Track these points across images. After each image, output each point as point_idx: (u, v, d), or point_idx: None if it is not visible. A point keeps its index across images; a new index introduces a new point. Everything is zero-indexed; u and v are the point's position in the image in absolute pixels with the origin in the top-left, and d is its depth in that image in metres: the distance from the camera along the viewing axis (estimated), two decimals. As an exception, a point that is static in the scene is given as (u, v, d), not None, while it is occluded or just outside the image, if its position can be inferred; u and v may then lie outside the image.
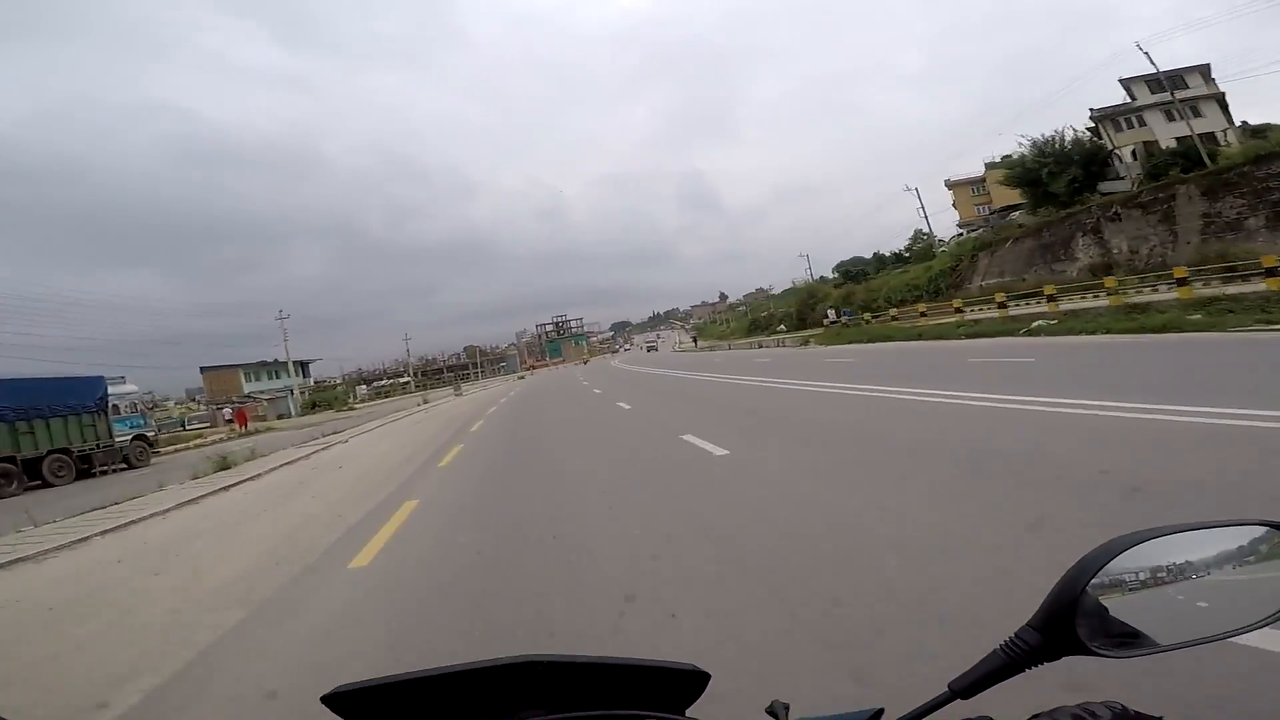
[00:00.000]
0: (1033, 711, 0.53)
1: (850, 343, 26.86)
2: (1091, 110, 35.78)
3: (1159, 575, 0.55)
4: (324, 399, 56.60)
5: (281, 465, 12.13)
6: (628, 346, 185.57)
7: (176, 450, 22.88)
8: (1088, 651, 0.53)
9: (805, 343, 32.72)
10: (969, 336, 19.24)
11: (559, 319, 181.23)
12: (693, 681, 0.67)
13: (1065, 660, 0.55)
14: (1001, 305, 21.92)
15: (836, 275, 64.81)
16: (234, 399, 52.23)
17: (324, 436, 17.90)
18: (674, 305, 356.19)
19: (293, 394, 53.62)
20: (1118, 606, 0.54)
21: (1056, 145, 33.13)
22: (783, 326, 56.59)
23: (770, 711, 0.65)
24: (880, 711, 0.60)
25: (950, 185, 60.25)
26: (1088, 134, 34.52)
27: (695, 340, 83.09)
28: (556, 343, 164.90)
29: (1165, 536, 0.56)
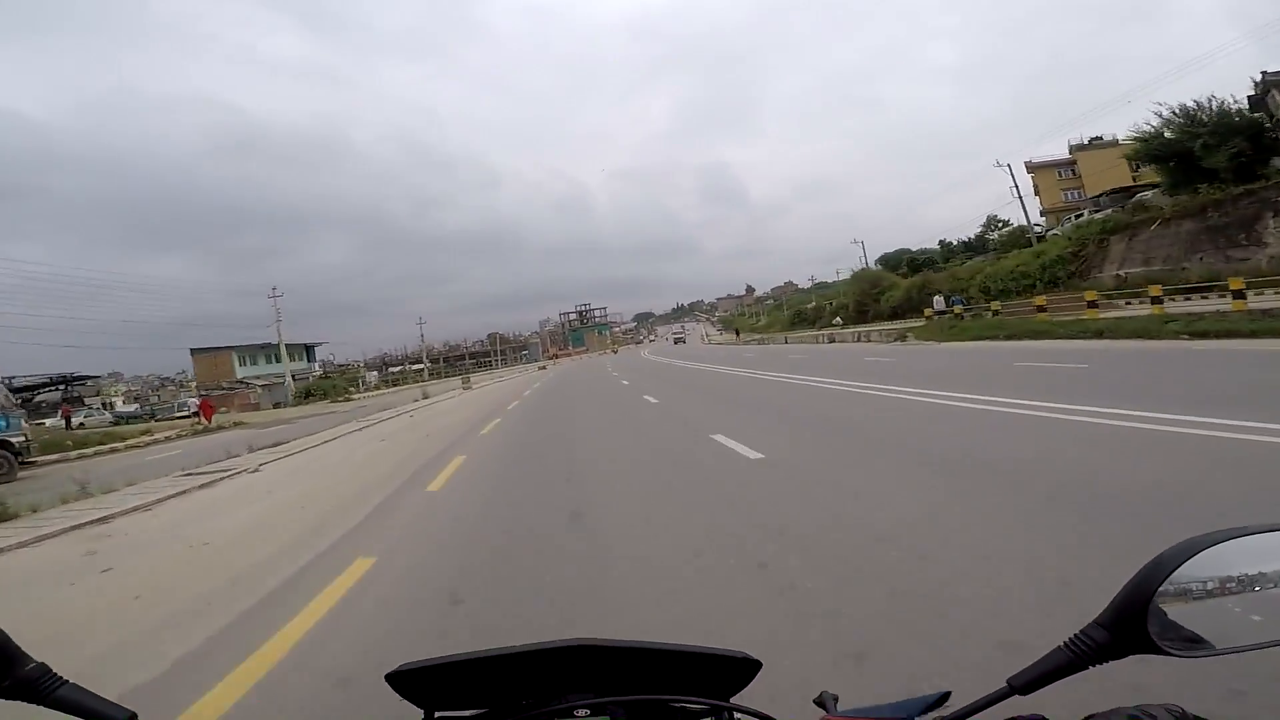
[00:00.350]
0: (1089, 711, 0.52)
1: (977, 339, 20.32)
2: (1263, 74, 28.62)
3: (1236, 576, 0.52)
4: (322, 387, 50.88)
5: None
6: (652, 337, 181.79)
7: (79, 457, 17.41)
8: (1157, 650, 0.51)
9: (902, 338, 26.08)
10: (1190, 335, 12.83)
11: (582, 307, 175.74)
12: (742, 669, 0.67)
13: (1121, 663, 0.53)
14: (1156, 300, 18.12)
15: (879, 267, 60.70)
16: (224, 384, 47.07)
17: (247, 454, 12.12)
18: (698, 297, 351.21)
19: (290, 380, 48.43)
20: (1190, 606, 0.52)
21: (1207, 116, 26.57)
22: (838, 320, 50.04)
23: (819, 702, 0.65)
24: (946, 695, 0.58)
25: (1032, 168, 53.29)
26: (1248, 102, 27.55)
27: (737, 332, 74.03)
28: (580, 331, 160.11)
29: (1246, 537, 0.53)
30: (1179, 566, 0.51)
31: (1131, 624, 0.51)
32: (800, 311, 71.03)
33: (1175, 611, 0.52)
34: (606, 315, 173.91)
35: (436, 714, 0.66)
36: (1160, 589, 0.51)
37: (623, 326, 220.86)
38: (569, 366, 52.15)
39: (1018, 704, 0.56)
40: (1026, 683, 0.55)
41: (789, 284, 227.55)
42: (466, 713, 0.68)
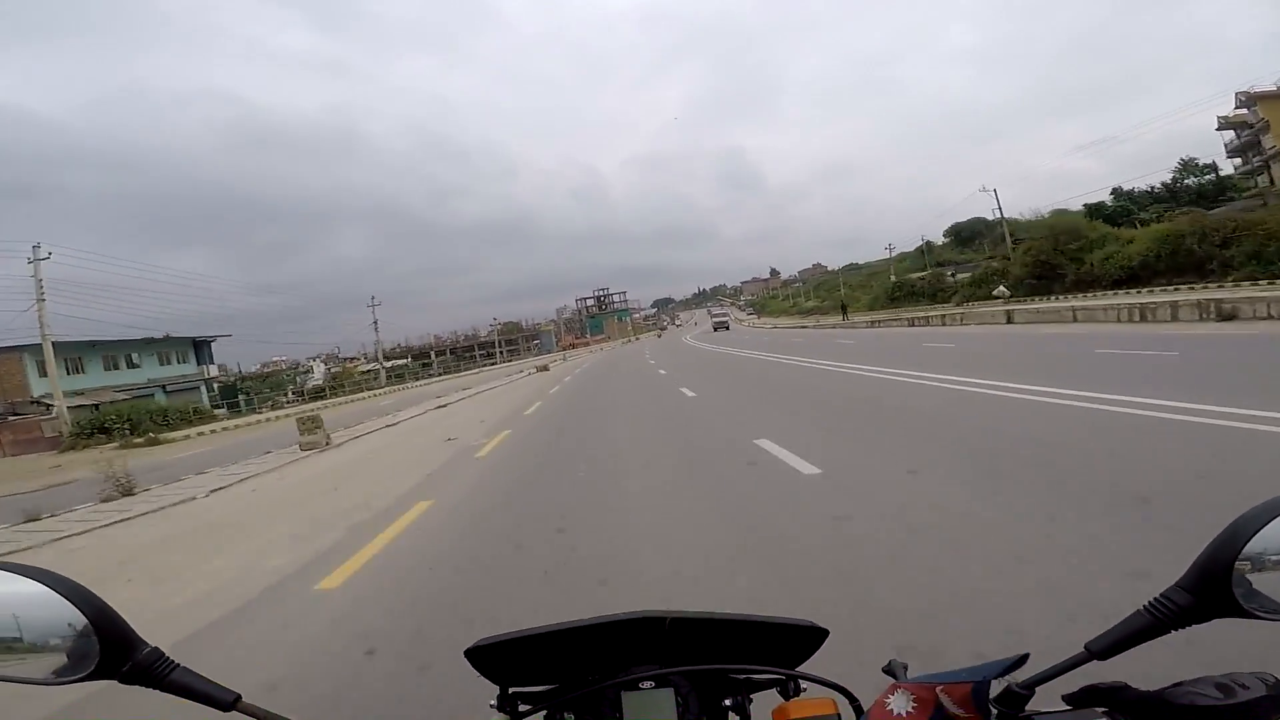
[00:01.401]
0: (1173, 678, 0.51)
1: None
2: None
3: None
4: (167, 413, 31.10)
5: None
6: (677, 323, 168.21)
7: None
8: (1244, 614, 0.49)
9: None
10: None
11: (601, 293, 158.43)
12: (808, 638, 0.67)
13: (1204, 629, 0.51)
14: None
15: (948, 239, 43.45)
16: (32, 399, 30.11)
17: None
18: (718, 282, 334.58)
19: (64, 404, 29.10)
20: (1276, 569, 0.49)
21: None
22: (1001, 290, 33.07)
23: (888, 670, 0.63)
24: (1024, 657, 0.56)
25: (1253, 100, 38.17)
26: None
27: (844, 310, 54.13)
28: (598, 318, 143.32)
29: None
30: (1264, 526, 0.48)
31: (1215, 586, 0.49)
32: (902, 284, 53.29)
33: (1261, 574, 0.49)
34: (626, 301, 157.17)
35: (510, 689, 0.68)
36: (1244, 550, 0.48)
37: (641, 313, 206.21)
38: (592, 364, 35.33)
39: (1097, 669, 0.54)
40: (1105, 647, 0.53)
41: (817, 265, 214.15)
42: (538, 688, 0.68)
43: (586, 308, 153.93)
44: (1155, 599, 0.52)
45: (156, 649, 0.55)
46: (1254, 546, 0.49)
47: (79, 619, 0.52)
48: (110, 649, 0.53)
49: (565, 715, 0.66)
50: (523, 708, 0.68)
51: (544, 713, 0.67)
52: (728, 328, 69.10)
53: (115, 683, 0.54)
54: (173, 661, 0.56)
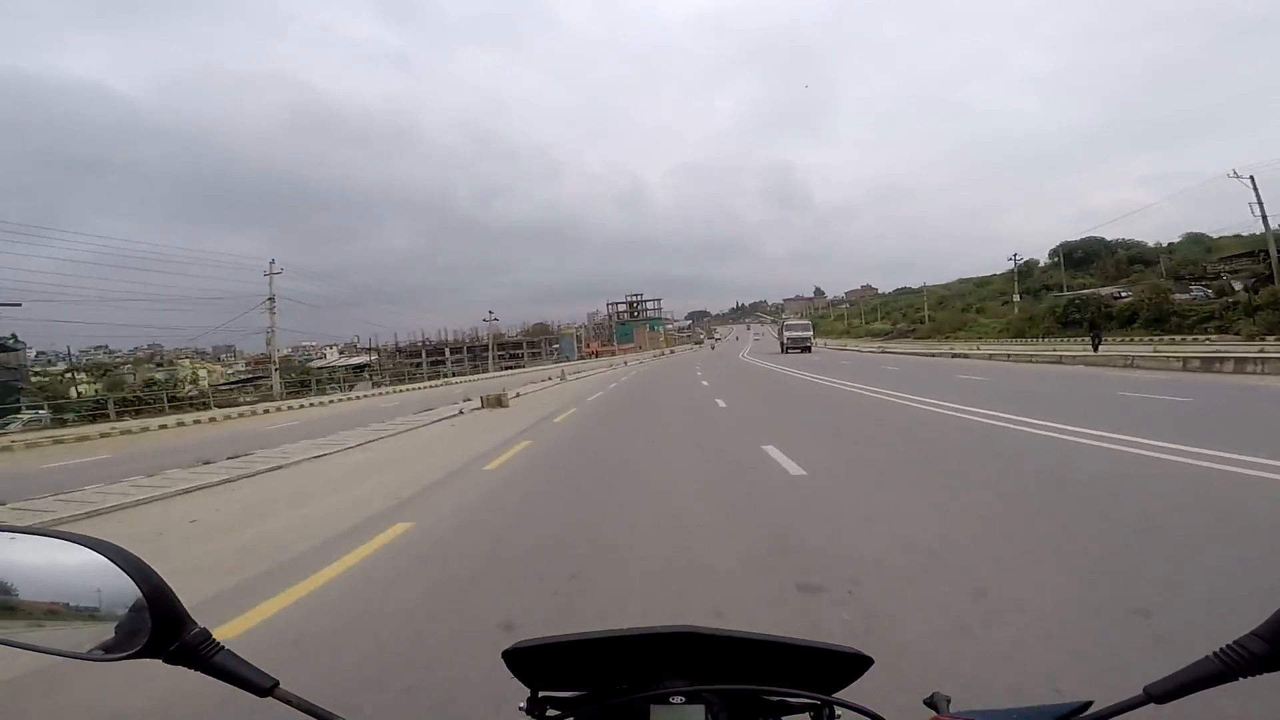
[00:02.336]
0: None
1: None
2: None
3: None
4: None
5: None
6: (716, 337, 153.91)
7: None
8: None
9: None
10: None
11: (634, 298, 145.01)
12: (849, 665, 0.65)
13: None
14: None
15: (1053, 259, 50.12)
16: None
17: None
18: (758, 298, 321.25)
19: None
20: None
21: None
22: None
23: (929, 702, 0.63)
24: (1087, 705, 0.55)
25: None
26: None
27: (1095, 339, 28.89)
28: (629, 325, 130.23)
29: None
30: None
31: None
32: (1072, 304, 38.43)
33: None
34: (660, 309, 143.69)
35: (541, 693, 0.67)
36: None
37: (675, 325, 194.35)
38: (627, 382, 25.22)
39: (1155, 713, 0.53)
40: (1166, 691, 0.52)
41: (866, 287, 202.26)
42: (568, 693, 0.68)
43: (618, 313, 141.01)
44: (1228, 646, 0.50)
45: (204, 630, 0.54)
46: None
47: (136, 594, 0.51)
48: (161, 626, 0.52)
49: None
50: (551, 713, 0.67)
51: (572, 719, 0.67)
52: (809, 348, 50.94)
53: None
54: (218, 644, 0.54)
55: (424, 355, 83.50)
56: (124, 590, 0.51)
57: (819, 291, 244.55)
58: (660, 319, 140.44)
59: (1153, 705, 0.52)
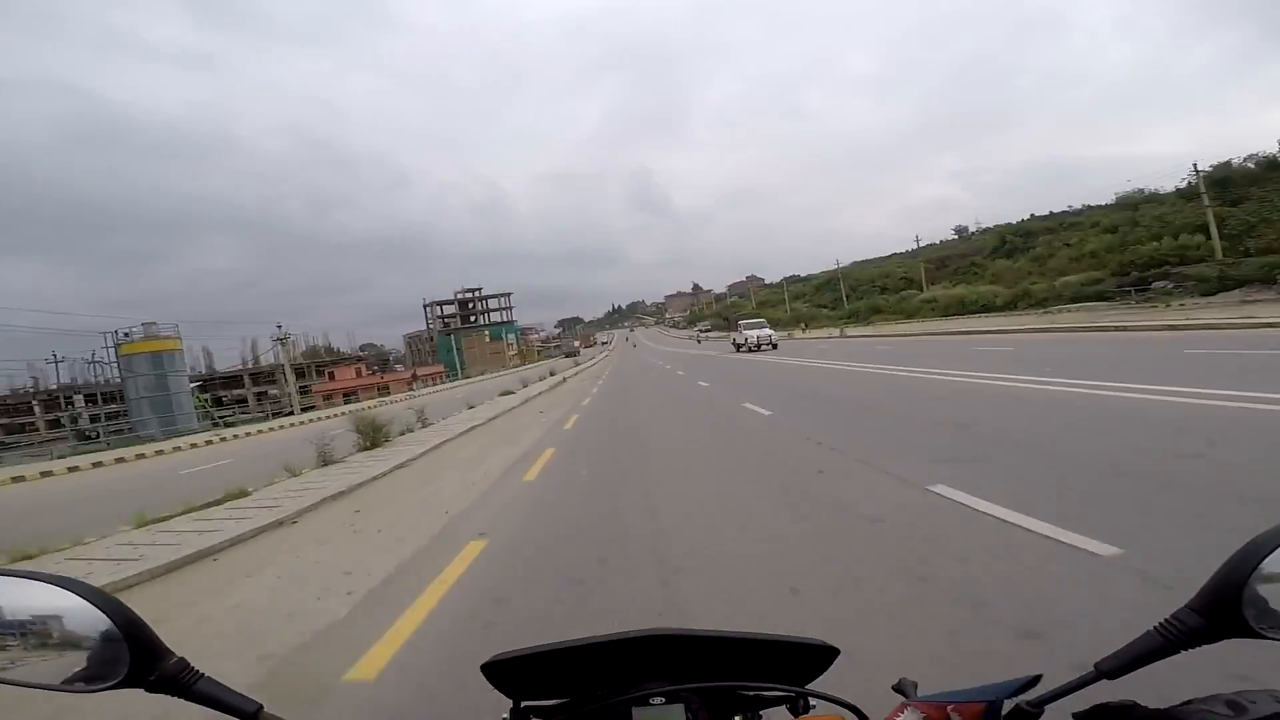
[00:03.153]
0: (1185, 697, 0.51)
1: None
2: None
3: None
4: None
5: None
6: (604, 341, 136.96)
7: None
8: (1254, 634, 0.50)
9: None
10: None
11: (468, 294, 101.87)
12: (819, 656, 0.67)
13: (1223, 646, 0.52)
14: None
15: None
16: None
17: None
18: (637, 298, 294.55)
19: None
20: None
21: None
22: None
23: (898, 688, 0.64)
24: (1037, 678, 0.57)
25: None
26: None
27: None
28: (457, 337, 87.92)
29: None
30: (1275, 550, 0.49)
31: (1226, 608, 0.50)
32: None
33: (1272, 595, 0.49)
34: (510, 309, 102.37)
35: (524, 703, 0.68)
36: (1257, 571, 0.49)
37: (542, 334, 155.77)
38: None
39: (1106, 688, 0.54)
40: (1115, 667, 0.54)
41: (752, 277, 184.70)
42: (550, 702, 0.69)
43: (441, 319, 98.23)
44: (1166, 620, 0.52)
45: (182, 659, 0.55)
46: (1267, 567, 0.49)
47: (110, 628, 0.53)
48: (139, 658, 0.53)
49: None
50: None
51: None
52: (775, 345, 33.21)
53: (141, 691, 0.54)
54: (197, 672, 0.55)
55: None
56: (100, 625, 0.53)
57: (698, 287, 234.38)
58: (512, 325, 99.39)
59: (1105, 681, 0.54)
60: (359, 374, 60.76)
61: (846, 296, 70.07)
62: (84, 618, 0.53)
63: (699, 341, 69.41)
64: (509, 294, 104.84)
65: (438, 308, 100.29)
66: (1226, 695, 0.49)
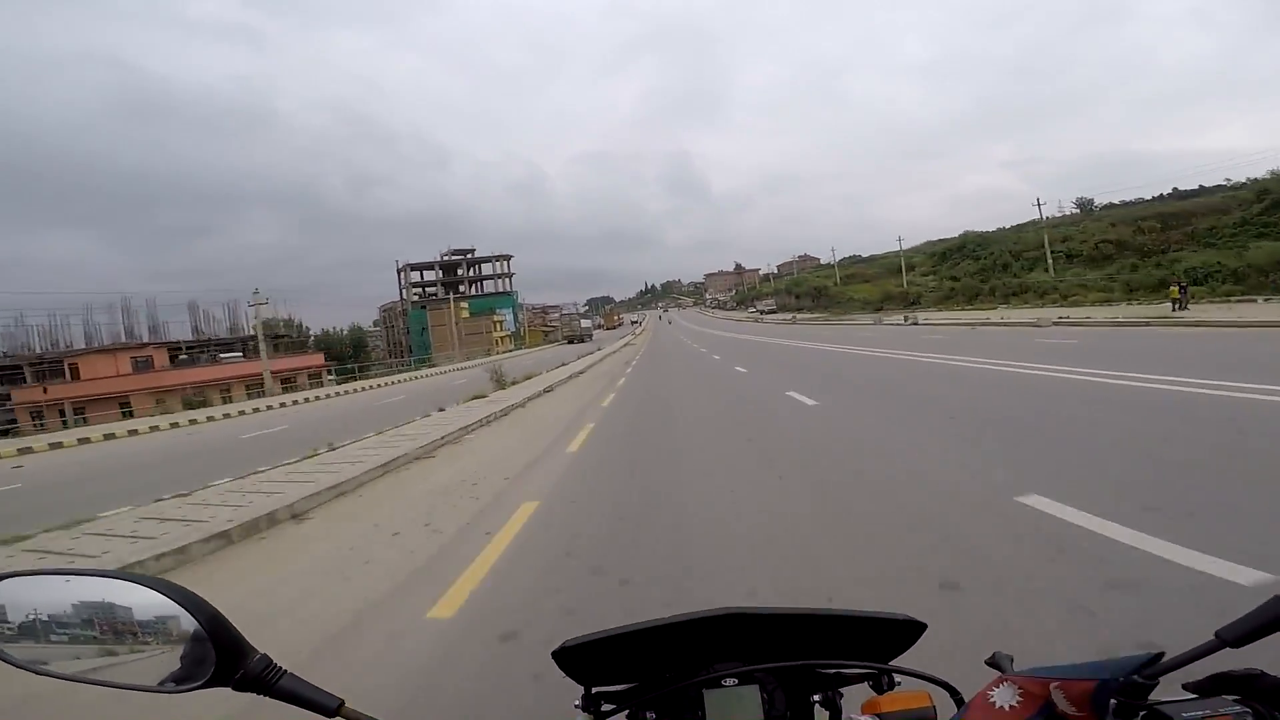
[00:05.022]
0: None
1: None
2: None
3: None
4: None
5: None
6: (634, 320, 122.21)
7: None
8: None
9: None
10: None
11: (455, 256, 78.72)
12: (904, 632, 0.65)
13: None
14: None
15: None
16: None
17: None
18: (673, 277, 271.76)
19: None
20: None
21: None
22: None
23: (991, 662, 0.60)
24: (1160, 655, 0.52)
25: None
26: None
27: None
28: (417, 314, 65.76)
29: None
30: None
31: None
32: None
33: None
34: (509, 273, 79.58)
35: (594, 689, 0.67)
36: None
37: (566, 312, 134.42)
38: None
39: (1229, 657, 0.51)
40: (1239, 635, 0.50)
41: (804, 257, 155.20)
42: (620, 687, 0.68)
43: (421, 287, 76.16)
44: None
45: (265, 656, 0.55)
46: None
47: (196, 628, 0.53)
48: (225, 657, 0.53)
49: (647, 715, 0.64)
50: (606, 707, 0.66)
51: (626, 712, 0.66)
52: None
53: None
54: (280, 669, 0.55)
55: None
56: (185, 624, 0.53)
57: (740, 266, 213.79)
58: (511, 296, 76.73)
59: (1227, 650, 0.50)
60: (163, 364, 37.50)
61: (1002, 266, 48.12)
62: (171, 617, 0.53)
63: (760, 319, 57.79)
64: (508, 257, 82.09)
65: (417, 273, 78.27)
66: None
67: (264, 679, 0.54)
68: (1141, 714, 0.50)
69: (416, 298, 74.10)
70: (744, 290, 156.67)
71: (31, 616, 0.54)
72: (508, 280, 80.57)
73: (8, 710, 2.42)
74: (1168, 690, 0.51)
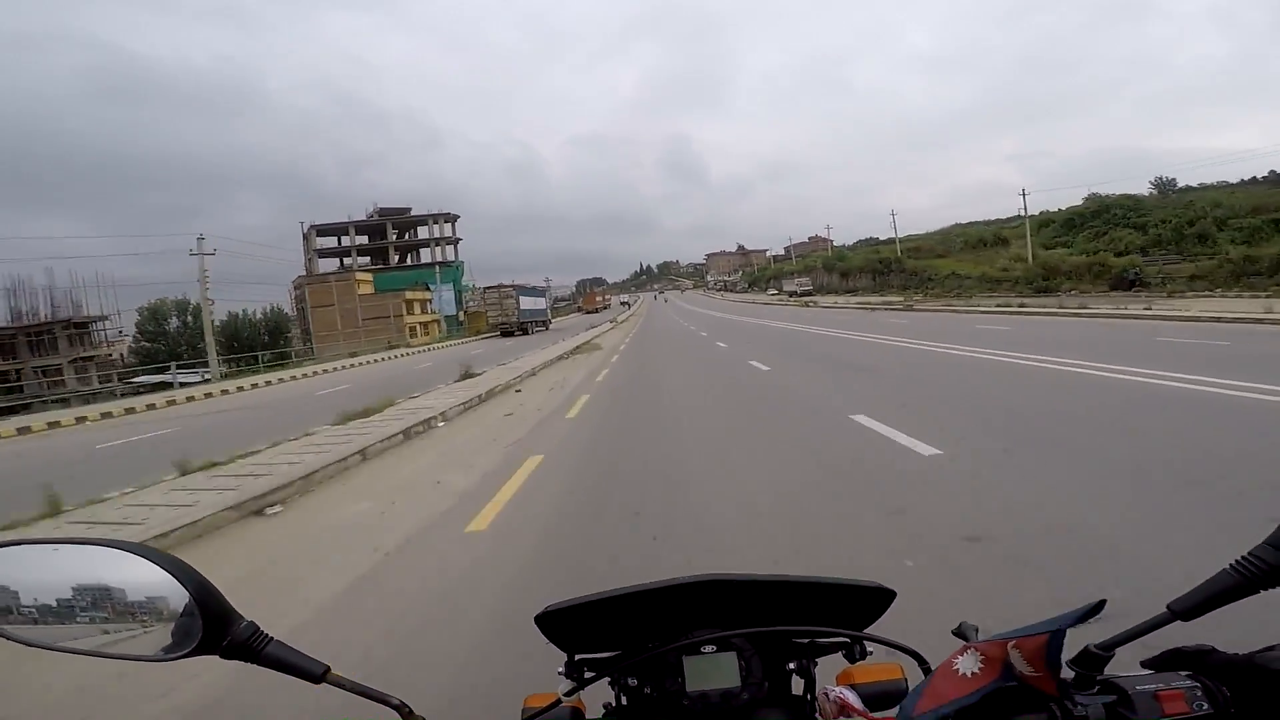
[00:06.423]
0: (1263, 644, 0.49)
1: None
2: None
3: None
4: None
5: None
6: (623, 300, 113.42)
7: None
8: None
9: None
10: None
11: (383, 216, 60.18)
12: (874, 600, 0.66)
13: None
14: None
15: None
16: None
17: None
18: (670, 259, 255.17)
19: None
20: None
21: None
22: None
23: (958, 633, 0.61)
24: (1100, 604, 0.51)
25: None
26: None
27: None
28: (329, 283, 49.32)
29: None
30: None
31: None
32: None
33: None
34: (456, 249, 62.15)
35: (578, 656, 0.69)
36: None
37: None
38: None
39: (1181, 630, 0.52)
40: (1189, 607, 0.51)
41: (816, 238, 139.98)
42: (603, 655, 0.70)
43: (340, 256, 58.81)
44: (1243, 557, 0.49)
45: (252, 623, 0.55)
46: None
47: (184, 596, 0.53)
48: (212, 624, 0.53)
49: (629, 680, 0.66)
50: (588, 674, 0.68)
51: (609, 679, 0.68)
52: None
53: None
54: (267, 635, 0.56)
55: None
56: (172, 592, 0.52)
57: (743, 248, 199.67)
58: (456, 269, 59.49)
59: (1179, 623, 0.51)
60: None
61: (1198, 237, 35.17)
62: (158, 585, 0.52)
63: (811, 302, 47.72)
64: (453, 218, 64.51)
65: (335, 239, 60.89)
66: None
67: (251, 645, 0.54)
68: (1097, 686, 0.52)
69: (338, 270, 56.93)
70: (753, 271, 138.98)
71: (15, 587, 0.53)
72: (454, 249, 63.31)
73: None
74: (1123, 666, 0.53)
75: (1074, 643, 0.50)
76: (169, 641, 0.53)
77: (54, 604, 0.53)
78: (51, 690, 2.50)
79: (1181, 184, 57.14)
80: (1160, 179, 61.51)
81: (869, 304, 38.35)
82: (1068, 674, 0.51)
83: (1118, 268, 34.50)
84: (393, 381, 15.78)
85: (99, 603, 0.53)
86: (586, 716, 0.67)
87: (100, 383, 30.31)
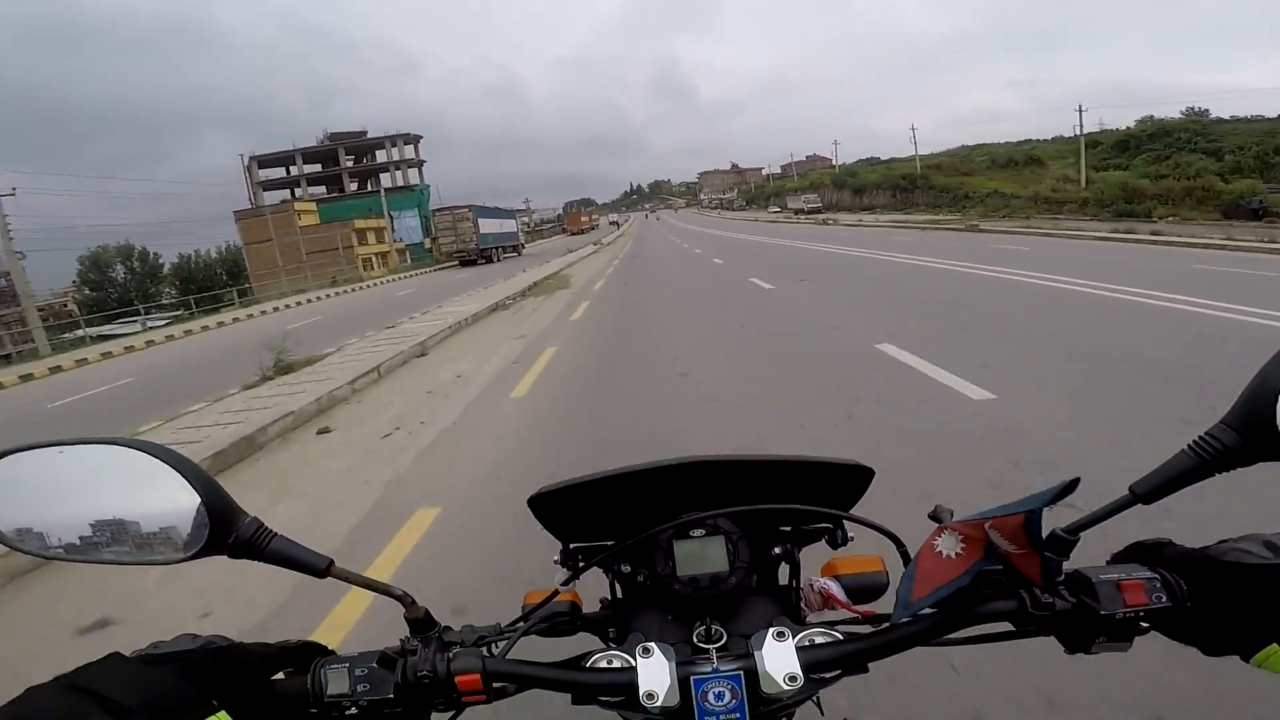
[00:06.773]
0: (1220, 536, 0.50)
1: None
2: None
3: None
4: None
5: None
6: (612, 219, 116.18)
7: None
8: None
9: None
10: None
11: (336, 140, 52.64)
12: (856, 479, 0.68)
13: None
14: None
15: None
16: None
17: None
18: (663, 177, 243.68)
19: None
20: None
21: None
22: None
23: (933, 516, 0.62)
24: (1075, 482, 0.50)
25: None
26: None
27: None
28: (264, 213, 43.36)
29: None
30: None
31: (1261, 425, 0.44)
32: None
33: None
34: (421, 172, 55.14)
35: (571, 545, 0.71)
36: None
37: (536, 215, 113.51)
38: None
39: (1142, 513, 0.52)
40: (1149, 490, 0.50)
41: (815, 157, 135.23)
42: (594, 544, 0.72)
43: (290, 186, 52.32)
44: (1200, 438, 0.48)
45: (256, 519, 0.54)
46: None
47: (191, 494, 0.51)
48: (219, 522, 0.52)
49: (622, 566, 0.68)
50: (582, 563, 0.69)
51: (603, 569, 0.69)
52: None
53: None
54: (271, 531, 0.55)
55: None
56: (179, 490, 0.51)
57: (736, 166, 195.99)
58: (412, 193, 53.00)
59: (1140, 505, 0.51)
60: None
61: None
62: (167, 483, 0.51)
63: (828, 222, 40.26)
64: (415, 139, 57.15)
65: (284, 169, 53.65)
66: (1265, 535, 0.47)
67: (255, 543, 0.53)
68: (1063, 578, 0.52)
69: (284, 201, 50.28)
70: (749, 189, 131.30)
71: (20, 494, 0.51)
72: (418, 173, 56.26)
73: None
74: (1087, 556, 0.54)
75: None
76: (179, 542, 0.51)
77: (62, 510, 0.51)
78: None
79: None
80: (1192, 109, 56.97)
81: (905, 223, 32.70)
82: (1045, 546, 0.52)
83: (1230, 194, 29.21)
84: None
85: (107, 506, 0.51)
86: (584, 611, 0.69)
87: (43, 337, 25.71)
